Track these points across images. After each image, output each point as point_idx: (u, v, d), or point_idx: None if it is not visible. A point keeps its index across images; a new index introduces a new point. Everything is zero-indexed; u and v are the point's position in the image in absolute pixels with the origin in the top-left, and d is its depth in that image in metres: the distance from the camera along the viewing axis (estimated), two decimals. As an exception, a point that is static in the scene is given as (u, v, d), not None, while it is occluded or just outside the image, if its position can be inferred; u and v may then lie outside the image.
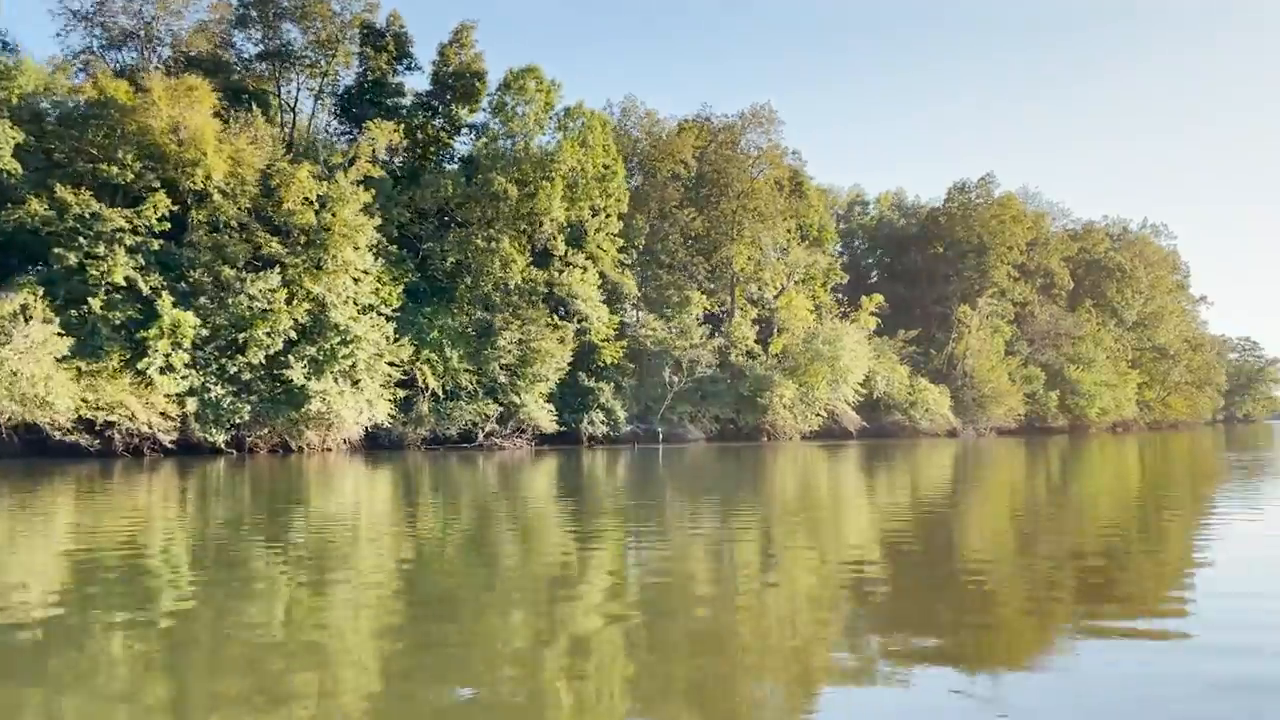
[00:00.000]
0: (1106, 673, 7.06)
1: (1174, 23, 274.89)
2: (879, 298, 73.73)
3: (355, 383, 46.22)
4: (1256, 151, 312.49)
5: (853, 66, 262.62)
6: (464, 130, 58.45)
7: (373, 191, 47.95)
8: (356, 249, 46.36)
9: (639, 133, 68.83)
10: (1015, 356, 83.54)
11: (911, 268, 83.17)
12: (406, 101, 56.63)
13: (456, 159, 58.83)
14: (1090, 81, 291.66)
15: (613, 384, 57.49)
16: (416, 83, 59.16)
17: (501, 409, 51.42)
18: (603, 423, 55.80)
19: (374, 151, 49.10)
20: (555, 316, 56.44)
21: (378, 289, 48.00)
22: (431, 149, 56.72)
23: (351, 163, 48.18)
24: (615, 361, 57.80)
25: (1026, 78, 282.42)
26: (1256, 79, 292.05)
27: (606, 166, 56.13)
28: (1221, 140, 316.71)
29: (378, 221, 47.04)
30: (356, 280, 46.78)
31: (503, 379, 51.90)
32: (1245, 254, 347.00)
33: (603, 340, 56.93)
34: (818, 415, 63.89)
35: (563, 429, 53.45)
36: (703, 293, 63.70)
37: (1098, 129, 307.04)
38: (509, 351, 52.09)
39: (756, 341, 66.94)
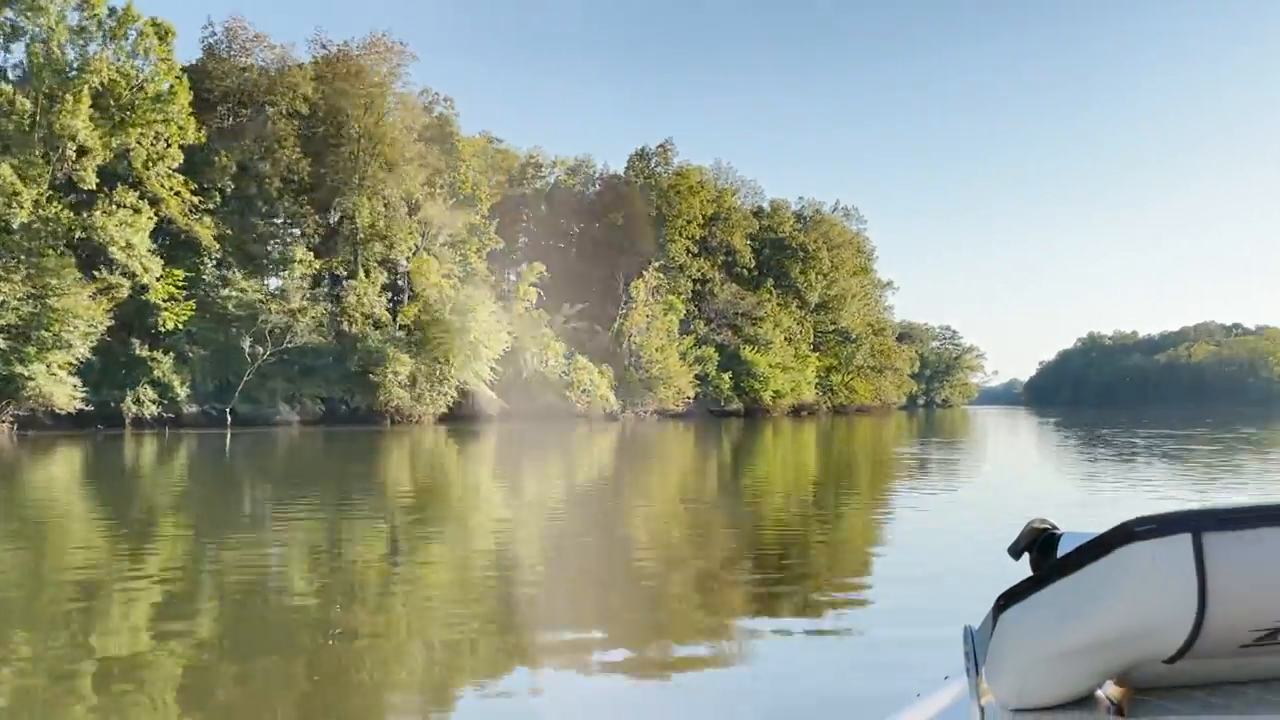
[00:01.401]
0: (787, 664, 6.28)
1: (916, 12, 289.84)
2: (540, 267, 66.87)
3: None
4: (982, 158, 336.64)
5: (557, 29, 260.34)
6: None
7: None
8: None
9: (261, 60, 58.23)
10: (691, 336, 79.22)
11: (591, 238, 77.03)
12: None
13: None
14: (807, 63, 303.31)
15: (175, 354, 47.19)
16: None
17: (-2, 382, 40.24)
18: (154, 401, 45.46)
19: None
20: (103, 269, 45.61)
21: None
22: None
23: None
24: (182, 327, 47.49)
25: (746, 54, 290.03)
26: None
27: (169, 87, 45.59)
28: (950, 145, 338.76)
29: None
30: None
31: (1, 344, 40.67)
32: (953, 250, 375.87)
33: (165, 300, 46.50)
34: (446, 395, 56.14)
35: (90, 408, 42.72)
36: (313, 250, 54.27)
37: (814, 115, 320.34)
38: (11, 309, 40.87)
39: (389, 310, 58.40)
